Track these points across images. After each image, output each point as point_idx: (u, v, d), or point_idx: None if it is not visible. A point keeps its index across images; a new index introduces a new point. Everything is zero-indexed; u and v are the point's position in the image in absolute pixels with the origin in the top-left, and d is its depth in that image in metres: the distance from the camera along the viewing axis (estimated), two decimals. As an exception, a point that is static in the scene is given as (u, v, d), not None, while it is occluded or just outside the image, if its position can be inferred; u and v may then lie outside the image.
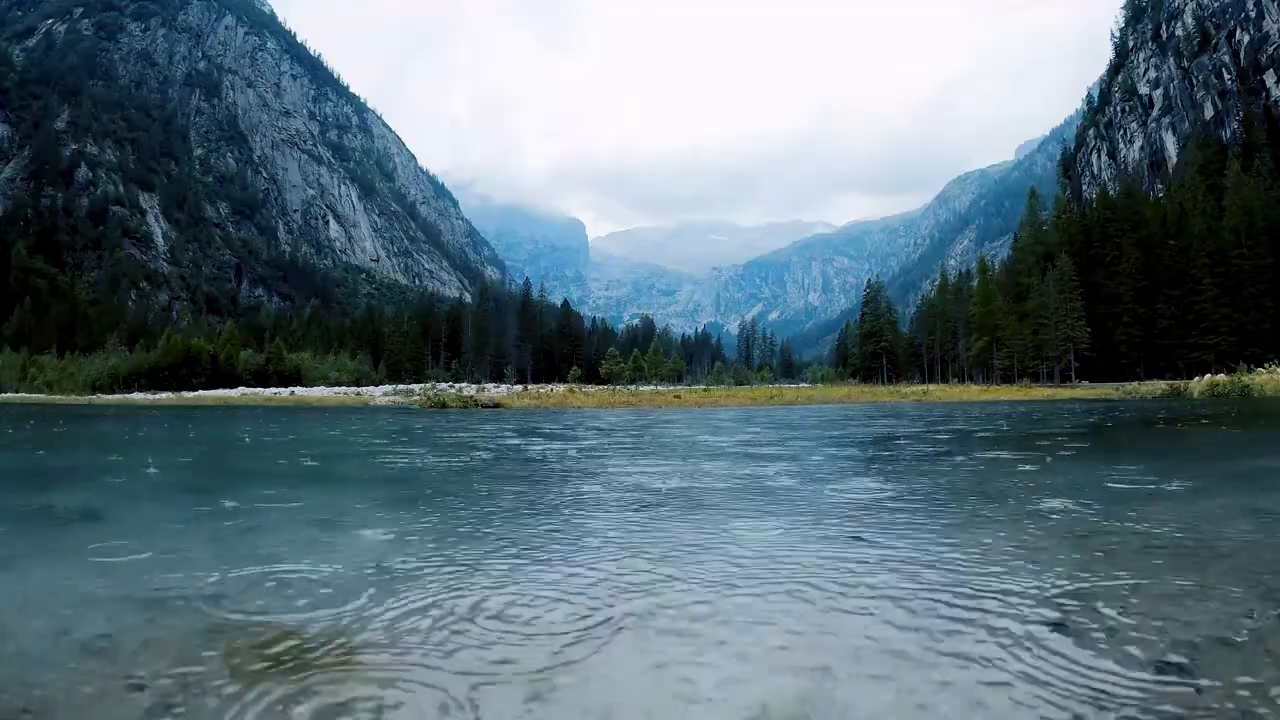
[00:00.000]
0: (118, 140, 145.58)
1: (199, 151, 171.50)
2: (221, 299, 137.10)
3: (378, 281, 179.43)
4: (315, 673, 1.34)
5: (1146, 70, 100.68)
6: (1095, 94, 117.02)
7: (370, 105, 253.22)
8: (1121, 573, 2.01)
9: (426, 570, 2.15)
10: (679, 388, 48.51)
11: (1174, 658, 1.36)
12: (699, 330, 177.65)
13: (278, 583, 2.04)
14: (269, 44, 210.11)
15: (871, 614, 1.68)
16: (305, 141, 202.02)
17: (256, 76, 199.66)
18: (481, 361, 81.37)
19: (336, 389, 44.52)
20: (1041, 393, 31.11)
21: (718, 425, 11.28)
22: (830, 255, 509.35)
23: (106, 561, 2.40)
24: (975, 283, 66.18)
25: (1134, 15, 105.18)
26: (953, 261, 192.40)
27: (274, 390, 43.04)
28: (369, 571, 2.15)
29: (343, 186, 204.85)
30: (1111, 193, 67.72)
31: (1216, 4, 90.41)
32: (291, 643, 1.49)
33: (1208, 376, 26.51)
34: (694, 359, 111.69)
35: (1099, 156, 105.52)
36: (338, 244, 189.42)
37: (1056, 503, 3.31)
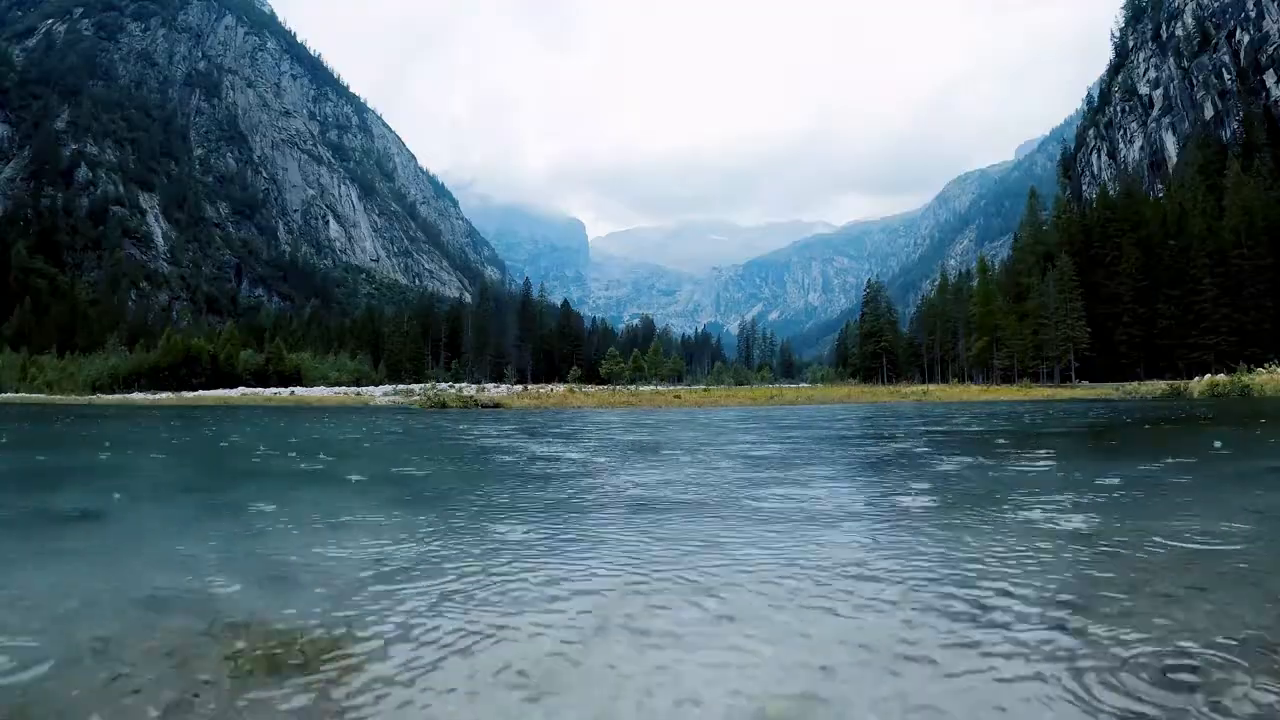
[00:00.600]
0: (118, 140, 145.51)
1: (199, 151, 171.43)
2: (221, 299, 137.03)
3: (378, 281, 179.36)
4: (315, 673, 1.34)
5: (1146, 70, 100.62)
6: (1095, 94, 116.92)
7: (370, 105, 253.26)
8: (1121, 573, 2.01)
9: (426, 570, 2.15)
10: (679, 388, 48.50)
11: (1174, 658, 1.36)
12: (699, 330, 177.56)
13: (278, 583, 2.04)
14: (269, 44, 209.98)
15: (872, 614, 1.67)
16: (305, 141, 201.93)
17: (256, 76, 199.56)
18: (481, 361, 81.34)
19: (336, 389, 44.51)
20: (1041, 393, 31.10)
21: (718, 427, 11.28)
22: (830, 255, 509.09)
23: (106, 561, 2.40)
24: (975, 283, 66.14)
25: (1134, 15, 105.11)
26: (953, 261, 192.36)
27: (274, 390, 43.03)
28: (368, 571, 2.15)
29: (343, 186, 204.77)
30: (1111, 193, 67.66)
31: (1216, 4, 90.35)
32: (291, 642, 1.49)
33: (1208, 376, 26.50)
34: (694, 359, 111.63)
35: (1099, 156, 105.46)
36: (338, 244, 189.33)
37: (1056, 502, 3.31)
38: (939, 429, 9.84)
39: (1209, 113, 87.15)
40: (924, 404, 21.73)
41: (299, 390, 42.93)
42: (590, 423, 12.61)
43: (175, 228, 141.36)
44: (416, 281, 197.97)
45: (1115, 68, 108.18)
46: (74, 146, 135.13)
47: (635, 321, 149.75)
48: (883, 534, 2.64)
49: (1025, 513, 3.06)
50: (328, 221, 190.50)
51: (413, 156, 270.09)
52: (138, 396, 42.38)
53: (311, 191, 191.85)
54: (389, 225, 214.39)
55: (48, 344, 70.17)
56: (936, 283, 78.31)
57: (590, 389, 36.77)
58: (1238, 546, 2.41)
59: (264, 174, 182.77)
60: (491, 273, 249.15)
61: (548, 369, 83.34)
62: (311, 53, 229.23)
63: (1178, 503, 3.42)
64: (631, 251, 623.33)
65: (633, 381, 60.65)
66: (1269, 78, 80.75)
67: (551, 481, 4.51)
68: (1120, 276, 54.08)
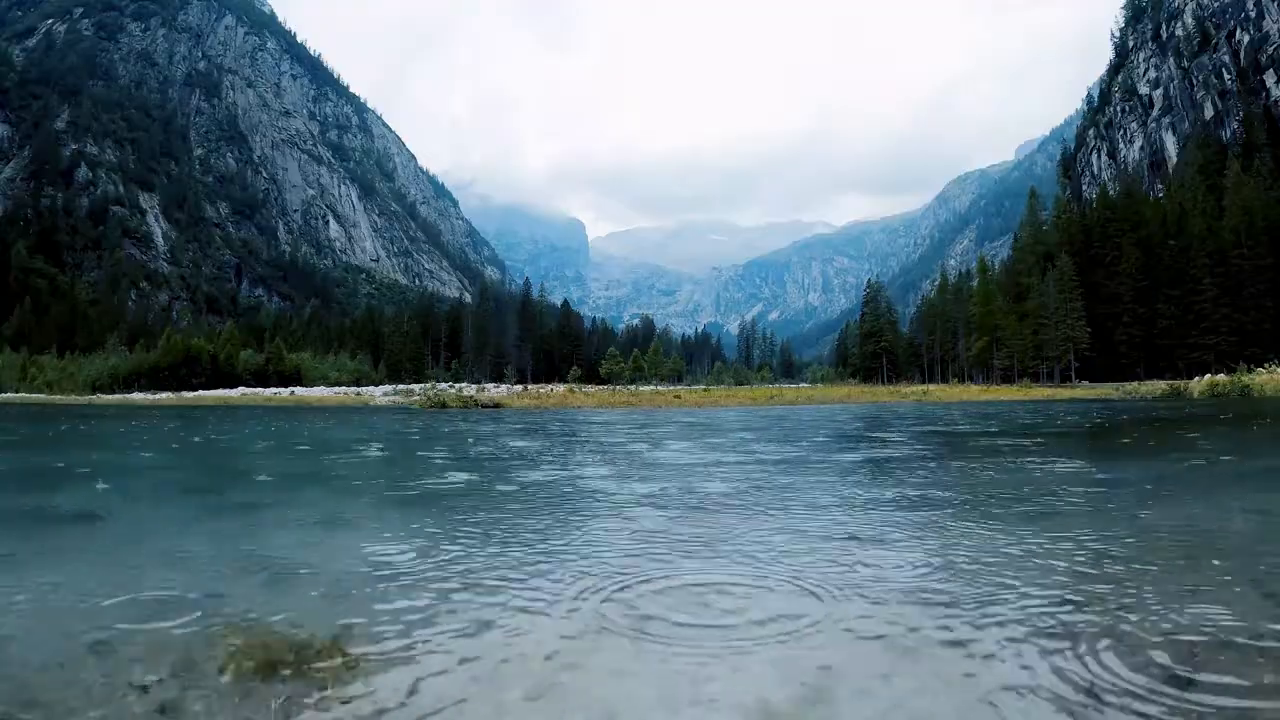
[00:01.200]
0: (118, 140, 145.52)
1: (199, 151, 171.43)
2: (221, 299, 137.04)
3: (378, 281, 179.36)
4: (315, 673, 1.34)
5: (1146, 70, 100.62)
6: (1095, 94, 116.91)
7: (370, 105, 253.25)
8: (1121, 573, 2.02)
9: (426, 570, 2.15)
10: (679, 388, 48.51)
11: (1174, 659, 1.36)
12: (699, 330, 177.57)
13: (277, 582, 2.04)
14: (269, 44, 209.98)
15: (872, 614, 1.68)
16: (305, 141, 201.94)
17: (256, 76, 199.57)
18: (481, 361, 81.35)
19: (336, 389, 44.50)
20: (1041, 393, 31.10)
21: (717, 427, 11.28)
22: (830, 255, 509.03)
23: (106, 561, 2.40)
24: (975, 283, 66.14)
25: (1134, 15, 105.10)
26: (953, 261, 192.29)
27: (274, 390, 43.02)
28: (368, 571, 2.15)
29: (343, 186, 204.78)
30: (1111, 193, 67.66)
31: (1216, 4, 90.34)
32: (291, 643, 1.49)
33: (1208, 376, 26.49)
34: (694, 359, 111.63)
35: (1099, 156, 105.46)
36: (338, 244, 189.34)
37: (1056, 502, 3.32)
38: (938, 429, 9.85)
39: (1209, 113, 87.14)
40: (924, 404, 21.73)
41: (299, 390, 42.92)
42: (590, 423, 12.61)
43: (175, 228, 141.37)
44: (416, 281, 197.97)
45: (1115, 68, 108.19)
46: (74, 146, 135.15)
47: (635, 321, 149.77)
48: (881, 533, 2.64)
49: (1025, 512, 3.07)
50: (328, 221, 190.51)
51: (413, 156, 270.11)
52: (138, 396, 42.37)
53: (311, 191, 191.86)
54: (389, 225, 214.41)
55: (48, 344, 70.15)
56: (936, 283, 78.32)
57: (590, 389, 36.78)
58: (1237, 546, 2.41)
59: (264, 174, 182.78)
60: (491, 273, 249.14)
61: (548, 369, 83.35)
62: (311, 53, 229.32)
63: (1178, 502, 3.43)
64: (631, 251, 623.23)
65: (633, 381, 60.65)
66: (1269, 78, 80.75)
67: (551, 482, 4.51)
68: (1120, 276, 54.08)
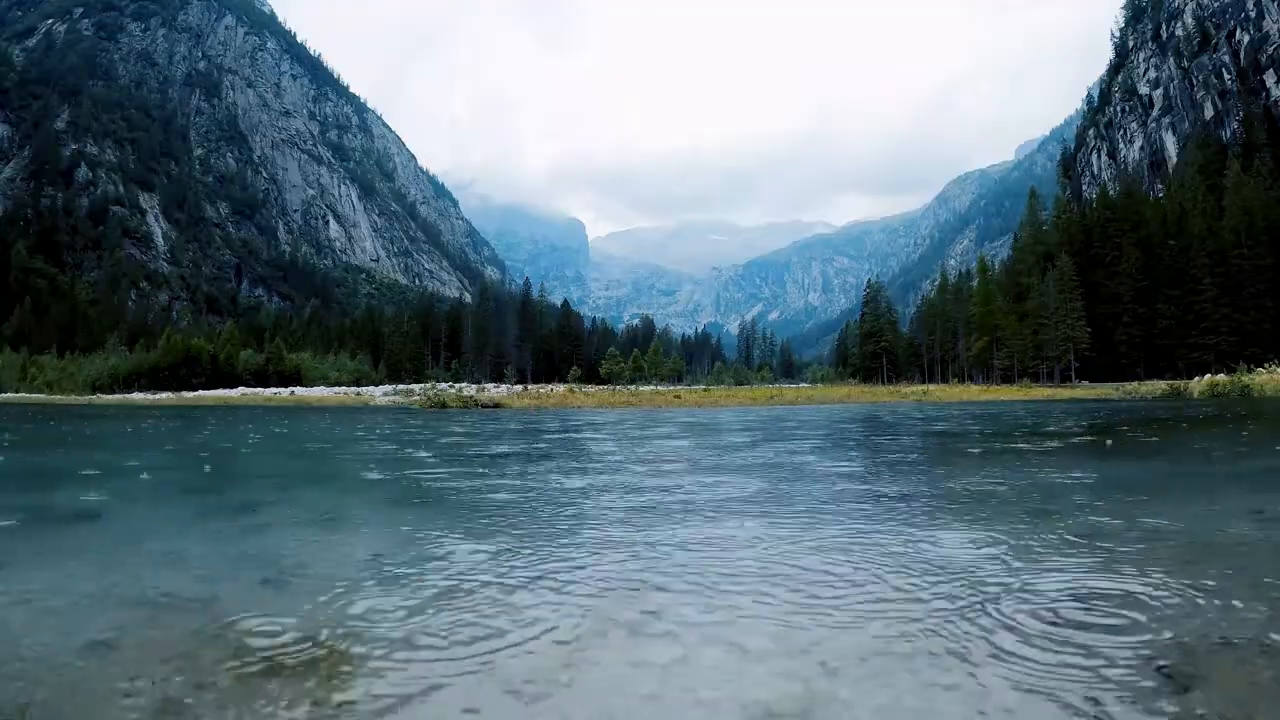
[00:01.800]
0: (118, 140, 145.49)
1: (199, 151, 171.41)
2: (221, 299, 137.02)
3: (378, 281, 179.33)
4: (315, 673, 1.34)
5: (1146, 70, 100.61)
6: (1095, 94, 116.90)
7: (370, 105, 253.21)
8: (1121, 573, 2.02)
9: (425, 570, 2.15)
10: (679, 388, 48.51)
11: (1174, 659, 1.36)
12: (699, 330, 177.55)
13: (277, 583, 2.04)
14: (269, 44, 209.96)
15: (872, 613, 1.68)
16: (305, 141, 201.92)
17: (256, 76, 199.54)
18: (481, 361, 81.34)
19: (336, 389, 44.50)
20: (1041, 393, 31.10)
21: (716, 427, 11.28)
22: (830, 255, 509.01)
23: (106, 561, 2.40)
24: (975, 283, 66.14)
25: (1134, 15, 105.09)
26: (953, 261, 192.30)
27: (274, 390, 43.02)
28: (368, 571, 2.15)
29: (343, 186, 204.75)
30: (1111, 193, 67.65)
31: (1216, 4, 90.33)
32: (291, 643, 1.49)
33: (1208, 376, 26.49)
34: (694, 359, 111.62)
35: (1099, 156, 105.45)
36: (338, 244, 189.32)
37: (1056, 502, 3.31)
38: (939, 429, 9.85)
39: (1209, 113, 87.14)
40: (924, 404, 21.73)
41: (299, 390, 42.92)
42: (590, 423, 12.61)
43: (175, 228, 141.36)
44: (416, 281, 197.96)
45: (1115, 68, 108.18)
46: (74, 146, 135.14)
47: (635, 321, 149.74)
48: (881, 533, 2.64)
49: (1024, 512, 3.07)
50: (328, 221, 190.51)
51: (413, 156, 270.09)
52: (138, 396, 42.37)
53: (311, 191, 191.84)
54: (389, 225, 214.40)
55: (48, 344, 70.17)
56: (936, 283, 78.32)
57: (590, 389, 36.78)
58: (1237, 546, 2.41)
59: (264, 174, 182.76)
60: (491, 273, 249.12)
61: (548, 369, 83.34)
62: (311, 53, 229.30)
63: (1177, 502, 3.43)
64: (631, 251, 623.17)
65: (633, 381, 60.65)
66: (1269, 78, 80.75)
67: (550, 482, 4.51)
68: (1120, 276, 54.08)
